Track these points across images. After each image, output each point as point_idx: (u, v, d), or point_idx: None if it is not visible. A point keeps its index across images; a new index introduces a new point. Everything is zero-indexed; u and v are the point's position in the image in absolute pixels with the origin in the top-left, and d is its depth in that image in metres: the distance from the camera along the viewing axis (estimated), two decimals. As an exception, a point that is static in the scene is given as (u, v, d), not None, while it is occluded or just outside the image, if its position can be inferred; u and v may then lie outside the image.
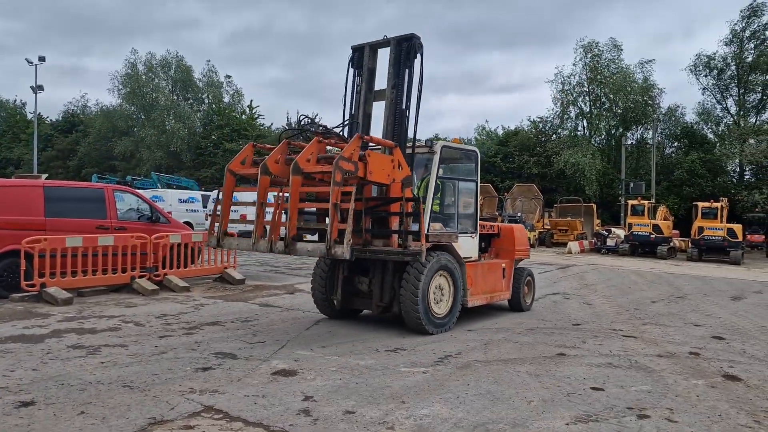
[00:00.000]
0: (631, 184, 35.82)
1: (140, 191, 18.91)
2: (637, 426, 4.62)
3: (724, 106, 42.79)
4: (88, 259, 9.82)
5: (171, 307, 9.26)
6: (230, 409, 4.70)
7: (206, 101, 54.00)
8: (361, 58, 8.17)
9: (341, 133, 7.62)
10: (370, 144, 7.37)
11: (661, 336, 8.31)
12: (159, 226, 11.64)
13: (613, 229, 30.68)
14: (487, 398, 5.17)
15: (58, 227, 10.01)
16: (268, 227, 7.08)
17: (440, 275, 7.91)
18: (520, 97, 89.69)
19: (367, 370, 5.95)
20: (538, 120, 47.05)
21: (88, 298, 9.78)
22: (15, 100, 68.98)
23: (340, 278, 8.29)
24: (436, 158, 8.14)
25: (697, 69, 42.13)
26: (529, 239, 22.45)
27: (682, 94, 76.36)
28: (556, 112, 44.71)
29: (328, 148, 7.40)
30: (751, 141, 37.20)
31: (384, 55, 8.12)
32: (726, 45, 41.00)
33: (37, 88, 42.07)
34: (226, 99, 54.69)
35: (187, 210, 25.01)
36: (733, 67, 41.17)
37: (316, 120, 7.64)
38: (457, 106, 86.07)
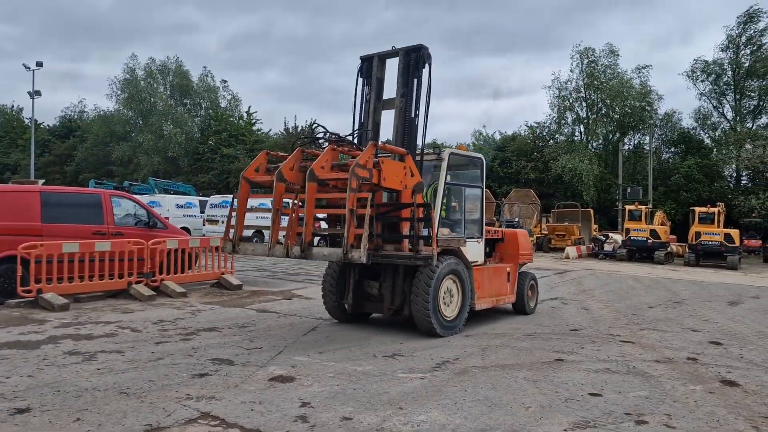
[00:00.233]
0: (629, 190, 35.91)
1: (137, 196, 18.91)
2: (635, 432, 4.62)
3: (721, 111, 43.00)
4: (85, 264, 9.79)
5: (168, 312, 9.23)
6: (227, 415, 4.68)
7: (203, 106, 54.02)
8: (370, 67, 8.38)
9: (352, 141, 7.79)
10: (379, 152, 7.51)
11: (658, 341, 8.31)
12: (156, 232, 11.62)
13: (610, 235, 30.74)
14: (484, 404, 5.16)
15: (54, 233, 9.98)
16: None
17: (449, 279, 8.09)
18: (519, 102, 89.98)
19: (364, 376, 5.93)
20: (536, 125, 47.23)
21: (85, 303, 9.75)
22: (12, 105, 68.99)
23: (350, 283, 8.42)
24: (444, 165, 8.31)
25: (695, 74, 42.36)
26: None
27: (680, 98, 76.65)
28: (554, 117, 44.93)
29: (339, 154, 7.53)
30: (748, 146, 37.35)
31: (392, 65, 8.34)
32: (722, 51, 41.27)
33: (35, 94, 42.06)
34: (223, 104, 54.77)
35: (184, 215, 25.01)
36: (729, 73, 41.36)
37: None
38: (455, 111, 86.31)
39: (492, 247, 10.06)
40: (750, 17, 39.70)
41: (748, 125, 41.26)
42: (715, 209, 27.15)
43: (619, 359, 7.07)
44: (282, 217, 7.32)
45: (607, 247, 28.49)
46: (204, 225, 23.54)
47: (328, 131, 7.52)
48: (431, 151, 8.54)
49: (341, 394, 5.29)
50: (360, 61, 8.49)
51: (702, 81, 42.42)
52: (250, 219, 23.80)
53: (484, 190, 9.49)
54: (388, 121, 8.36)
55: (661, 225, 28.90)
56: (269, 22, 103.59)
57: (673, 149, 44.74)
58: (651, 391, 5.77)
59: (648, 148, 40.71)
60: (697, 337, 8.71)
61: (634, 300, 13.03)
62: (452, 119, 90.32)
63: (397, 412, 4.88)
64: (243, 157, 45.47)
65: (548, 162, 41.49)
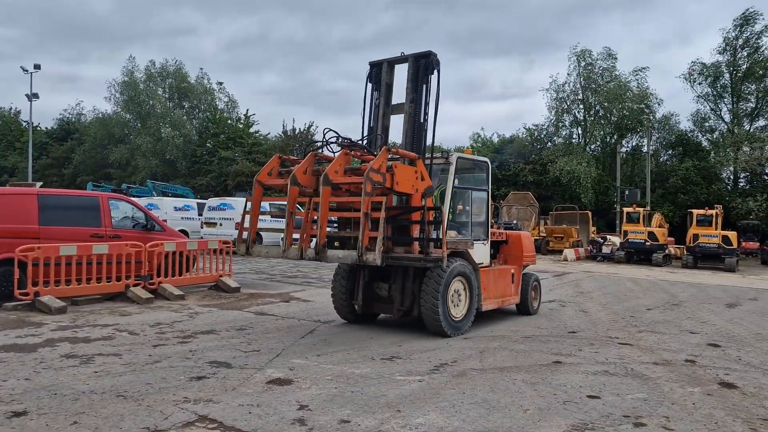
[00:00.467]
0: (627, 192, 35.98)
1: (135, 199, 18.88)
2: (633, 434, 4.61)
3: (718, 113, 43.11)
4: (83, 267, 9.77)
5: (165, 315, 9.21)
6: (224, 418, 4.67)
7: (201, 108, 54.01)
8: (379, 73, 8.58)
9: (365, 146, 8.04)
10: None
11: (656, 343, 8.31)
12: (154, 234, 11.60)
13: (608, 237, 30.75)
14: (482, 407, 5.15)
15: (52, 235, 9.96)
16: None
17: (458, 280, 8.28)
18: (517, 104, 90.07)
19: (362, 378, 5.92)
20: (534, 128, 47.29)
21: (82, 306, 9.72)
22: (10, 108, 68.90)
23: (360, 284, 8.61)
24: (452, 169, 8.49)
25: (692, 77, 42.46)
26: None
27: (679, 100, 76.87)
28: (551, 120, 44.98)
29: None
30: (745, 148, 37.41)
31: (400, 71, 8.53)
32: (720, 53, 41.36)
33: (33, 96, 42.01)
34: (220, 105, 54.79)
35: (182, 218, 24.94)
36: (726, 76, 41.46)
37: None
38: (453, 113, 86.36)
39: (496, 249, 10.19)
40: (746, 20, 39.83)
41: (745, 127, 41.34)
42: (713, 211, 27.19)
43: (617, 361, 7.07)
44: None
45: (605, 250, 28.50)
46: (202, 228, 23.49)
47: (340, 136, 7.72)
48: (439, 154, 8.72)
49: (339, 397, 5.28)
50: (369, 66, 8.71)
51: (699, 83, 42.56)
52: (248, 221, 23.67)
53: (490, 193, 9.69)
54: (395, 124, 8.60)
55: (659, 227, 28.93)
56: (268, 24, 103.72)
57: (670, 151, 44.81)
58: (649, 393, 5.76)
59: (646, 151, 40.79)
60: (695, 339, 8.71)
61: (632, 302, 13.03)
62: (451, 122, 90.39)
63: (395, 414, 4.87)
64: (241, 159, 45.49)
65: (546, 164, 41.54)
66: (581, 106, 44.14)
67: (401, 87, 8.44)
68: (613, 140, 43.66)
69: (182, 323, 8.62)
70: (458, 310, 8.34)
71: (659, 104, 43.35)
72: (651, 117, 42.67)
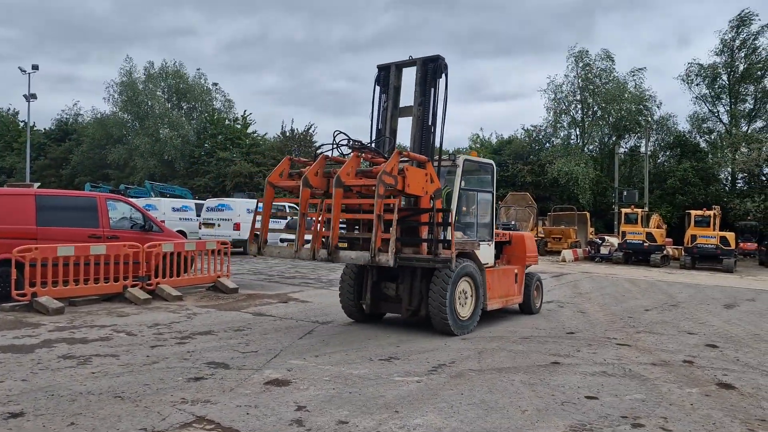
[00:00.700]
0: (625, 193, 35.97)
1: (133, 200, 18.86)
2: (631, 435, 4.61)
3: (716, 115, 43.16)
4: (80, 268, 9.75)
5: (163, 316, 9.20)
6: (222, 419, 4.66)
7: (198, 109, 53.96)
8: (387, 76, 8.73)
9: (375, 149, 8.17)
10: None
11: (654, 344, 8.31)
12: (152, 235, 11.59)
13: (606, 238, 30.77)
14: (481, 408, 5.15)
15: (49, 236, 9.95)
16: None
17: (464, 280, 8.46)
18: (516, 105, 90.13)
19: (360, 379, 5.92)
20: (532, 128, 47.31)
21: (80, 307, 9.70)
22: (8, 109, 68.77)
23: (368, 284, 8.76)
24: (459, 171, 8.64)
25: (689, 78, 42.54)
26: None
27: (677, 101, 76.94)
28: (549, 120, 45.00)
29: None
30: (743, 149, 37.46)
31: (408, 74, 8.70)
32: (717, 55, 41.42)
33: (30, 97, 41.96)
34: (217, 105, 54.74)
35: (180, 219, 24.90)
36: (724, 77, 41.52)
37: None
38: (453, 114, 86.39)
39: (499, 249, 10.31)
40: (742, 20, 39.88)
41: (743, 128, 41.41)
42: (711, 212, 27.23)
43: (615, 362, 7.07)
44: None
45: (604, 250, 28.51)
46: (200, 228, 23.47)
47: (351, 139, 7.82)
48: (446, 157, 8.85)
49: (337, 398, 5.28)
50: (377, 70, 8.85)
51: (697, 85, 42.64)
52: (248, 223, 23.70)
53: (495, 194, 9.84)
54: (402, 127, 8.77)
55: (657, 228, 28.96)
56: (267, 25, 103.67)
57: (668, 152, 44.86)
58: (647, 394, 5.77)
59: (644, 152, 40.83)
60: (693, 340, 8.72)
61: (631, 303, 13.04)
62: (450, 122, 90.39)
63: (393, 415, 4.87)
64: (239, 160, 45.47)
65: (544, 165, 41.57)
66: (579, 107, 44.18)
67: (408, 90, 8.64)
68: (611, 141, 43.70)
69: (180, 324, 8.61)
70: (465, 309, 8.50)
71: (658, 107, 43.53)
72: (649, 118, 42.74)
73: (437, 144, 8.36)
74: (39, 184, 37.99)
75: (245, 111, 55.44)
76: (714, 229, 26.41)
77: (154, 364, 6.30)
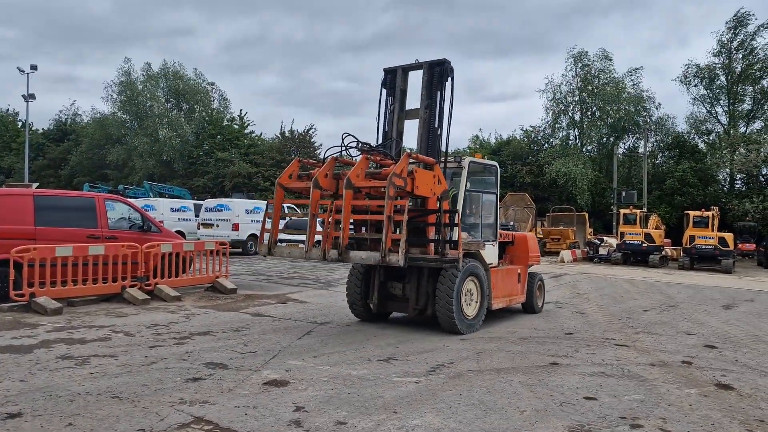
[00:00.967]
0: (623, 194, 35.98)
1: (132, 200, 18.84)
2: (630, 436, 4.61)
3: (714, 115, 43.20)
4: (79, 268, 9.74)
5: (162, 316, 9.19)
6: (220, 420, 4.65)
7: (196, 109, 53.94)
8: (394, 79, 8.89)
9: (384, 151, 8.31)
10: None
11: (653, 345, 8.32)
12: (150, 235, 11.58)
13: (605, 238, 30.78)
14: (479, 408, 5.14)
15: (48, 236, 9.93)
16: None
17: (470, 280, 8.64)
18: (515, 105, 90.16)
19: (359, 380, 5.91)
20: (531, 129, 47.34)
21: (78, 307, 9.69)
22: (7, 109, 68.70)
23: (376, 284, 8.90)
24: (464, 173, 8.80)
25: (687, 79, 42.56)
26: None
27: (675, 102, 76.99)
28: (548, 121, 45.03)
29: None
30: (742, 150, 37.48)
31: (414, 77, 8.86)
32: (714, 56, 41.46)
33: (29, 97, 41.90)
34: (214, 105, 54.71)
35: (179, 219, 24.91)
36: (722, 78, 41.55)
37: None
38: (453, 115, 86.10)
39: (502, 249, 10.42)
40: (739, 21, 39.91)
41: (741, 129, 41.45)
42: (710, 213, 27.23)
43: (614, 363, 7.07)
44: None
45: (602, 251, 28.54)
46: (199, 228, 23.46)
47: (360, 141, 7.92)
48: (452, 159, 8.98)
49: (335, 399, 5.27)
50: (384, 73, 8.99)
51: (695, 86, 42.68)
52: (246, 224, 23.66)
53: (498, 195, 9.99)
54: (408, 129, 8.97)
55: (656, 229, 28.97)
56: (267, 25, 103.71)
57: (667, 153, 44.90)
58: (646, 394, 5.77)
59: (642, 152, 40.85)
60: (691, 341, 8.72)
61: (629, 303, 13.05)
62: (452, 123, 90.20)
63: (392, 416, 4.86)
64: (238, 161, 45.45)
65: (543, 166, 41.59)
66: (578, 108, 44.20)
67: (413, 92, 8.78)
68: (609, 142, 43.72)
69: (178, 324, 8.60)
70: (470, 308, 8.66)
71: (657, 107, 43.54)
72: (648, 119, 42.77)
73: (443, 146, 8.49)
74: (37, 184, 38.00)
75: (241, 110, 55.49)
76: (712, 230, 26.41)
77: (152, 364, 6.29)
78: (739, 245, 31.41)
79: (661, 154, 45.14)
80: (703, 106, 43.14)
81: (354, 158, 8.24)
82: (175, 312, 9.64)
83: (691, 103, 44.35)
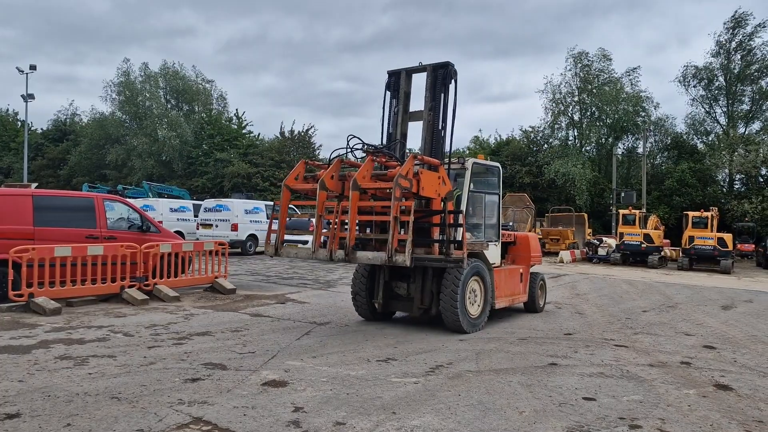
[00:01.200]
0: (622, 194, 35.97)
1: (131, 200, 18.83)
2: (628, 436, 4.61)
3: (713, 116, 43.23)
4: (77, 268, 9.73)
5: (161, 317, 9.18)
6: (219, 420, 4.65)
7: (195, 109, 53.94)
8: (398, 82, 8.99)
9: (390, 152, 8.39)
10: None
11: (652, 345, 8.32)
12: (149, 236, 11.57)
13: (604, 239, 30.76)
14: (478, 409, 5.14)
15: (46, 236, 9.93)
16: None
17: (474, 280, 8.75)
18: (515, 106, 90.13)
19: (357, 380, 5.91)
20: (530, 129, 47.35)
21: (77, 308, 9.68)
22: (6, 109, 68.65)
23: (380, 284, 8.98)
24: (468, 174, 8.90)
25: (686, 80, 42.59)
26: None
27: (675, 103, 76.87)
28: (547, 121, 45.04)
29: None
30: (741, 151, 37.52)
31: (417, 79, 8.99)
32: (713, 57, 41.49)
33: (28, 97, 41.85)
34: (214, 104, 54.71)
35: (178, 219, 24.90)
36: (721, 78, 41.58)
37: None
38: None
39: (504, 249, 10.48)
40: (737, 22, 39.94)
41: (740, 130, 41.48)
42: (708, 213, 27.25)
43: (612, 363, 7.07)
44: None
45: (601, 252, 28.54)
46: (198, 229, 23.44)
47: (365, 143, 7.98)
48: (456, 160, 9.06)
49: (334, 399, 5.27)
50: (388, 75, 9.11)
51: (694, 86, 42.71)
52: (245, 224, 23.63)
53: (501, 196, 10.06)
54: (412, 130, 9.01)
55: (655, 229, 28.97)
56: (266, 25, 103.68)
57: (666, 154, 44.93)
58: (645, 395, 5.77)
59: (641, 153, 40.87)
60: (690, 341, 8.72)
61: (628, 304, 13.05)
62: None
63: (391, 417, 4.86)
64: (237, 161, 45.44)
65: (542, 166, 41.61)
66: (576, 108, 44.23)
67: (417, 94, 8.91)
68: (608, 142, 43.73)
69: (177, 325, 8.59)
70: (474, 308, 8.76)
71: (655, 108, 43.55)
72: (647, 119, 42.78)
73: (446, 147, 8.57)
74: (36, 184, 37.94)
75: (237, 110, 55.54)
76: (711, 231, 26.44)
77: (151, 364, 6.28)
78: (738, 246, 31.44)
79: (660, 155, 45.18)
80: (702, 106, 43.23)
81: (358, 160, 8.29)
82: (174, 312, 9.64)
83: (689, 104, 44.39)
